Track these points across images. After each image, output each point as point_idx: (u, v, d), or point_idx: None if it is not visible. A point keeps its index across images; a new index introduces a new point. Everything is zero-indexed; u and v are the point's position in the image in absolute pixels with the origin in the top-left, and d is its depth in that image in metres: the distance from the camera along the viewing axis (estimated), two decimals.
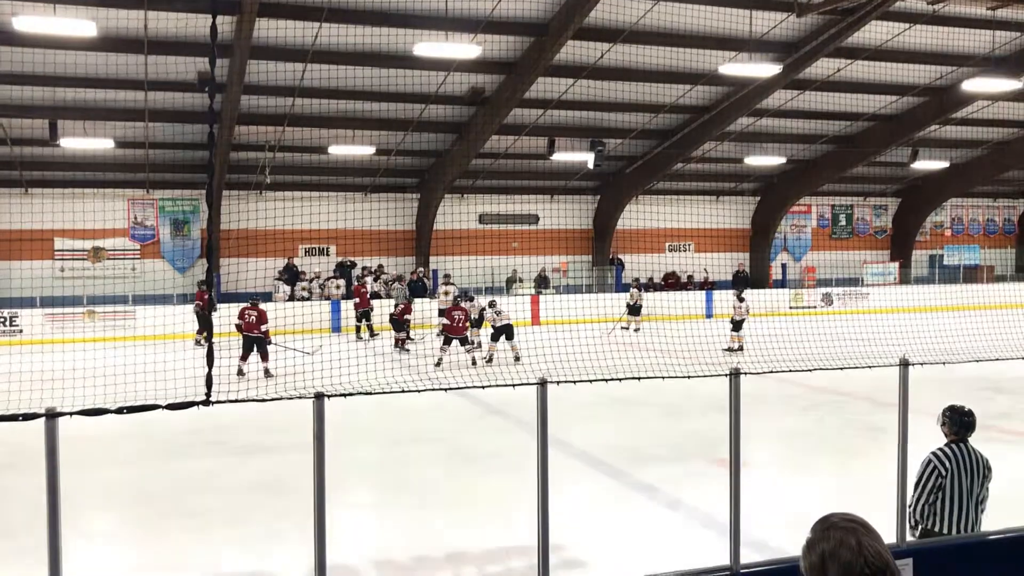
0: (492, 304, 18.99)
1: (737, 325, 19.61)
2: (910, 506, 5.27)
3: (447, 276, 26.41)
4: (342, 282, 26.71)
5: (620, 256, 30.69)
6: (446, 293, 23.56)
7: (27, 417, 4.22)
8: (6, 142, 22.57)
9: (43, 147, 22.61)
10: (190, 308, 22.74)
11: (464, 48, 18.38)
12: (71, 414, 4.18)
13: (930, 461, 5.30)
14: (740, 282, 30.67)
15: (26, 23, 15.58)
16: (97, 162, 24.35)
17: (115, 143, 22.65)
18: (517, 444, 10.63)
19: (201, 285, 22.37)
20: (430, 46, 18.16)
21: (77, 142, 22.28)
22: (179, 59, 19.44)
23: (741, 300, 20.06)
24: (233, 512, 8.39)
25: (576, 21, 19.17)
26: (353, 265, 27.26)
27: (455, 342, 18.12)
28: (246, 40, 18.00)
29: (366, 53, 19.93)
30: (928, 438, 5.51)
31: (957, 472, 5.25)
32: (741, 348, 19.10)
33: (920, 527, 5.33)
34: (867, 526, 2.19)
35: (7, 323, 22.97)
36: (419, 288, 26.04)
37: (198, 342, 21.39)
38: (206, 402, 4.99)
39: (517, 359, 17.52)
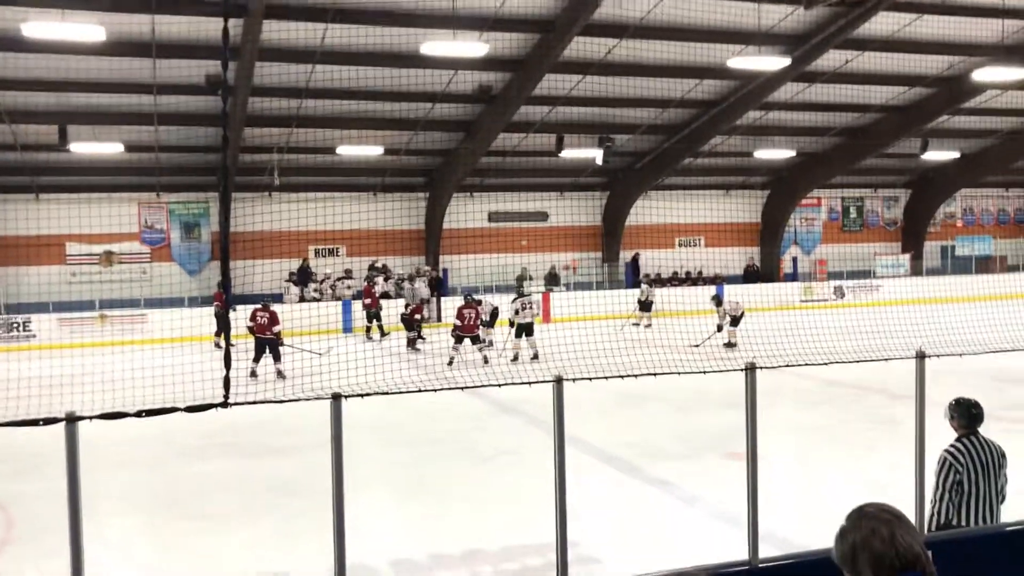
0: (526, 298, 18.84)
1: (735, 321, 19.70)
2: (933, 504, 5.23)
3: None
4: (352, 282, 26.73)
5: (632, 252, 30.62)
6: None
7: (47, 422, 4.23)
8: (16, 148, 22.64)
9: (53, 152, 22.61)
10: (202, 311, 22.77)
11: (471, 46, 18.32)
12: (91, 418, 4.20)
13: (945, 459, 5.26)
14: (751, 277, 30.64)
15: (34, 29, 15.58)
16: (107, 166, 24.42)
17: (124, 147, 22.70)
18: (531, 442, 10.63)
19: (220, 286, 22.40)
20: (437, 45, 18.07)
21: (87, 147, 22.32)
22: (187, 62, 19.47)
23: (720, 304, 20.21)
24: (249, 514, 8.42)
25: (583, 17, 19.13)
26: (382, 268, 27.21)
27: (467, 341, 18.12)
28: (253, 42, 18.03)
29: (373, 53, 19.92)
30: (945, 430, 5.48)
31: (973, 466, 5.21)
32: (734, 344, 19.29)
33: (942, 523, 5.28)
34: (902, 518, 2.18)
35: (20, 329, 23.06)
36: (439, 285, 26.03)
37: (217, 344, 21.42)
38: (224, 404, 5.00)
39: (535, 357, 17.52)
